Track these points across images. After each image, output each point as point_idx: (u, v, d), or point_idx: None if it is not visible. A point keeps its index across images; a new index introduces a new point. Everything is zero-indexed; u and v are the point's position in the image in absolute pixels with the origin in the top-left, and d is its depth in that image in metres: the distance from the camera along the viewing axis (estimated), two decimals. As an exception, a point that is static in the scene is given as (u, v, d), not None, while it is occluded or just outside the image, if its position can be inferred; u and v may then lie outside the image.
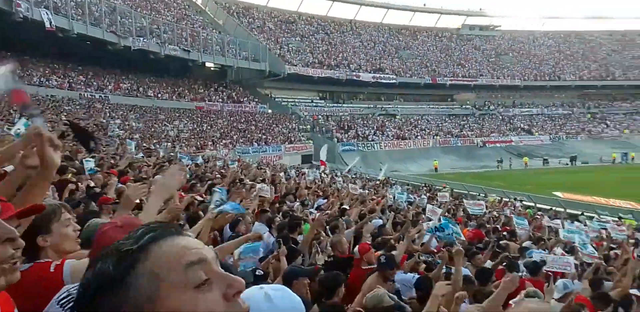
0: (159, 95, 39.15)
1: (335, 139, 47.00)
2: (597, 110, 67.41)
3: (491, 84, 66.33)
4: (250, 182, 9.75)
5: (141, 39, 36.08)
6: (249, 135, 39.32)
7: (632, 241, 11.08)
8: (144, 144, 19.90)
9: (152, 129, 30.21)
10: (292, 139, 42.94)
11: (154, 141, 23.97)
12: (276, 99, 52.12)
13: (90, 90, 33.78)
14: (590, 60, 75.31)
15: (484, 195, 22.20)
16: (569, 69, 72.50)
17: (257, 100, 48.79)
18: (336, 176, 22.56)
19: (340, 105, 56.82)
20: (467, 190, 25.31)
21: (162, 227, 0.80)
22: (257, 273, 3.58)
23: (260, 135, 40.30)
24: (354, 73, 57.82)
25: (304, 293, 3.21)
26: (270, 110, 47.85)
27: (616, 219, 15.58)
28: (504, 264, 6.23)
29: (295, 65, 52.98)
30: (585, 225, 13.20)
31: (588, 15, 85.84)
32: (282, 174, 16.01)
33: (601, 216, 16.11)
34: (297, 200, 9.60)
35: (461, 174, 38.78)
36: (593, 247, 7.33)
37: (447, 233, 7.41)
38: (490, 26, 79.19)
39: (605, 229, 11.86)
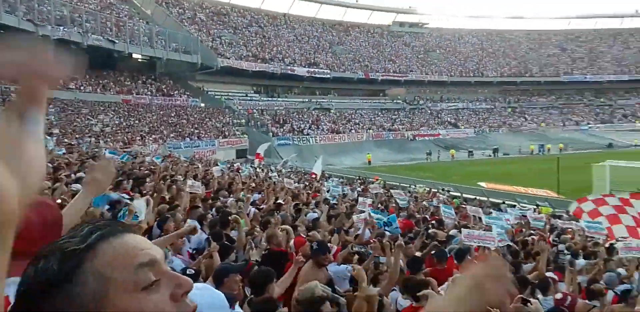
0: (82, 87, 36.92)
1: (271, 134, 46.75)
2: (516, 104, 71.91)
3: (420, 80, 68.76)
4: (181, 179, 9.46)
5: (61, 28, 33.78)
6: (180, 130, 38.11)
7: (548, 227, 11.97)
8: (65, 140, 18.71)
9: (74, 124, 28.46)
10: (227, 133, 42.16)
11: (76, 136, 22.60)
12: (209, 93, 50.88)
13: (4, 83, 31.18)
14: (510, 58, 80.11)
15: (414, 186, 23.05)
16: (491, 65, 76.71)
17: (188, 93, 47.33)
18: (271, 171, 22.45)
19: (275, 99, 56.51)
20: (399, 182, 26.14)
21: (110, 225, 0.77)
22: (187, 272, 3.47)
23: (192, 129, 39.20)
24: (289, 67, 57.69)
25: (236, 290, 3.16)
26: (202, 104, 46.62)
27: (534, 206, 16.77)
28: (433, 252, 6.50)
29: (229, 58, 51.95)
30: (506, 212, 14.08)
31: (508, 15, 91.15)
32: (215, 168, 15.67)
33: (521, 204, 17.28)
34: (232, 195, 9.44)
35: (393, 167, 39.98)
36: (506, 235, 7.82)
37: (394, 227, 7.67)
38: (419, 23, 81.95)
39: (525, 216, 12.71)
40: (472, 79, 72.39)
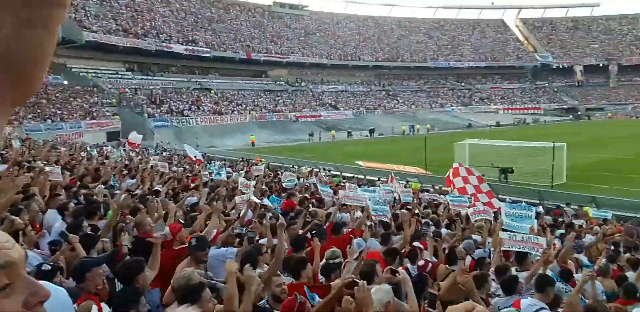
0: None
1: (146, 115, 44.03)
2: (390, 88, 76.38)
3: (302, 62, 69.54)
4: (40, 165, 8.49)
5: None
6: (39, 111, 34.19)
7: (416, 201, 13.01)
8: None
9: None
10: (95, 114, 38.77)
11: None
12: (73, 70, 46.10)
13: None
14: (384, 44, 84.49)
15: (297, 167, 23.47)
16: (367, 50, 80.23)
17: (49, 70, 42.35)
18: (148, 154, 21.21)
19: (150, 77, 53.03)
20: (282, 163, 26.42)
21: None
22: (43, 268, 3.13)
23: (54, 110, 35.38)
24: (165, 44, 54.44)
25: (100, 284, 2.93)
26: (66, 82, 42.18)
27: (404, 182, 18.08)
28: (314, 231, 6.68)
29: (96, 32, 47.45)
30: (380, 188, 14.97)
31: (382, 2, 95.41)
32: (82, 154, 14.36)
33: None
34: (100, 182, 8.72)
35: (277, 148, 40.25)
36: (385, 207, 8.33)
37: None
38: (299, 6, 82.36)
39: (396, 192, 13.66)
40: (350, 63, 75.09)
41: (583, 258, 7.29)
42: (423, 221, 8.78)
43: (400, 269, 4.96)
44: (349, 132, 51.51)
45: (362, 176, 21.20)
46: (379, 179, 19.25)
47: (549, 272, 4.93)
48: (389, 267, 4.86)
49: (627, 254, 7.51)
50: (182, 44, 56.35)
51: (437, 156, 27.40)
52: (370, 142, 46.09)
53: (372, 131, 52.16)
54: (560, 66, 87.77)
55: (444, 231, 8.51)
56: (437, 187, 18.05)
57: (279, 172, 19.21)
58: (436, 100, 76.52)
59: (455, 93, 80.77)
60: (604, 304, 4.63)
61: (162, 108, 47.15)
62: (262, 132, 48.30)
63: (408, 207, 11.39)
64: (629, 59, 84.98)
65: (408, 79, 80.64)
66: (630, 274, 6.05)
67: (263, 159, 26.32)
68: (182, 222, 6.36)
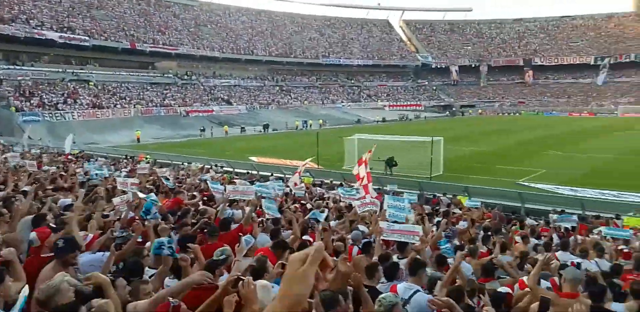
0: None
1: (14, 108, 39.44)
2: (283, 83, 76.81)
3: (192, 54, 67.06)
4: None
5: None
6: None
7: (308, 195, 13.29)
8: None
9: None
10: (-52, 107, 33.86)
11: None
12: None
13: None
14: (277, 39, 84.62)
15: (187, 163, 22.64)
16: (260, 45, 79.74)
17: None
18: (14, 151, 19.02)
19: (19, 67, 47.44)
20: (171, 159, 25.30)
21: None
22: None
23: None
24: (36, 30, 49.11)
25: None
26: None
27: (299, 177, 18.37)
28: (204, 229, 6.49)
29: (-53, 13, 41.30)
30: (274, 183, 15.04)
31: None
32: None
33: (287, 176, 18.71)
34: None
35: (165, 144, 38.47)
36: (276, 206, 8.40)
37: (153, 213, 7.27)
38: (188, -5, 79.20)
39: (289, 186, 13.84)
40: (243, 57, 74.07)
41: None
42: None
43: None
44: (242, 128, 50.90)
45: (255, 172, 21.08)
46: (271, 175, 19.31)
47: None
48: (279, 262, 4.90)
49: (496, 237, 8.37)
50: (56, 31, 51.26)
51: (328, 151, 28.24)
52: (264, 137, 46.01)
53: (266, 126, 52.09)
54: (439, 66, 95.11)
55: (334, 222, 8.80)
56: (328, 181, 18.57)
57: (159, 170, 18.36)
58: (328, 97, 78.55)
59: (346, 90, 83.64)
60: (473, 280, 5.12)
61: (32, 101, 42.56)
62: (149, 127, 45.82)
63: (302, 201, 11.60)
64: (497, 61, 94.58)
65: (301, 75, 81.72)
66: (505, 257, 6.75)
67: (148, 156, 25.00)
68: (53, 226, 5.79)
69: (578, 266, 6.62)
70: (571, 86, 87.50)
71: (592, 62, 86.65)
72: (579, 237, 9.26)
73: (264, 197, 8.96)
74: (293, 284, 1.05)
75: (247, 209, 7.60)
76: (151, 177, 13.22)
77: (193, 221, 7.16)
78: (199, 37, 71.78)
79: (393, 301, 3.33)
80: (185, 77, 63.99)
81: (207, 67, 69.78)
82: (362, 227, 8.27)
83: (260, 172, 20.93)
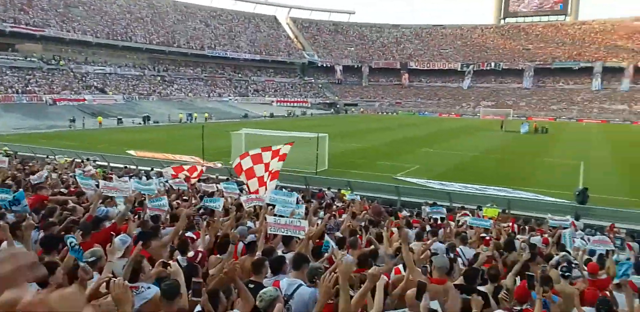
0: None
1: None
2: (165, 73, 73.12)
3: (60, 37, 60.84)
4: None
5: None
6: None
7: (190, 191, 12.80)
8: None
9: None
10: None
11: None
12: None
13: None
14: (159, 26, 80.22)
15: (53, 157, 20.50)
16: (140, 31, 74.95)
17: None
18: None
19: None
20: (35, 152, 22.73)
21: None
22: None
23: None
24: None
25: None
26: None
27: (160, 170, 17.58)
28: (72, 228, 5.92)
29: None
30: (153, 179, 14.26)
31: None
32: None
33: (164, 167, 17.82)
34: None
35: (28, 135, 34.45)
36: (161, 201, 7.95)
37: (23, 205, 6.51)
38: (56, -29, 71.43)
39: (168, 181, 13.21)
40: (120, 43, 69.00)
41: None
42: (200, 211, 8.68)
43: (171, 262, 4.79)
44: (119, 119, 47.44)
45: (134, 167, 19.79)
46: (152, 169, 18.29)
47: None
48: (160, 260, 4.64)
49: (376, 229, 8.82)
50: None
51: (214, 145, 27.53)
52: (144, 130, 43.41)
53: (146, 118, 49.18)
54: (324, 65, 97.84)
55: (222, 219, 8.57)
56: (214, 176, 18.10)
57: (31, 163, 16.48)
58: (214, 90, 76.54)
59: (233, 83, 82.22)
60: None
61: None
62: (8, 116, 40.70)
63: (184, 197, 11.13)
64: (377, 63, 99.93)
65: (185, 66, 78.48)
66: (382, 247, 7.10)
67: (6, 148, 22.22)
68: None
69: (447, 251, 7.25)
70: (441, 89, 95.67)
71: (459, 68, 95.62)
72: (451, 223, 10.17)
73: (144, 194, 8.44)
74: None
75: (122, 206, 7.09)
76: (10, 173, 11.72)
77: (59, 219, 6.50)
78: (68, 19, 65.28)
79: (273, 295, 3.36)
80: (53, 61, 57.84)
81: (78, 52, 63.86)
82: (250, 223, 8.19)
83: (140, 167, 19.71)
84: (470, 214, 12.43)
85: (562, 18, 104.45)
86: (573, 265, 6.74)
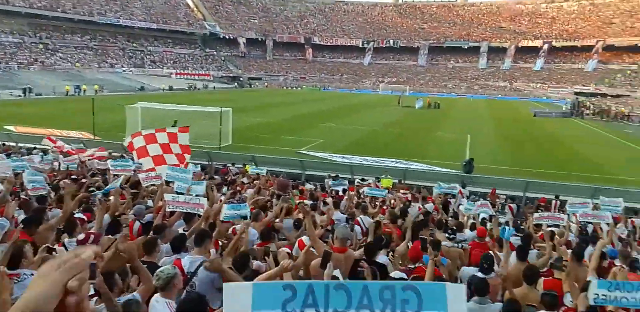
0: None
1: None
2: (49, 41, 66.10)
3: None
4: None
5: None
6: None
7: (80, 169, 11.91)
8: None
9: None
10: None
11: None
12: None
13: None
14: (39, -13, 71.70)
15: None
16: (16, -8, 66.54)
17: None
18: None
19: None
20: None
21: None
22: None
23: None
24: None
25: None
26: None
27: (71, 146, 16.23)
28: None
29: None
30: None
31: None
32: None
33: (53, 148, 16.34)
34: None
35: None
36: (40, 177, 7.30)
37: None
38: None
39: (57, 159, 12.16)
40: (-7, 5, 60.84)
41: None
42: (91, 189, 8.13)
43: (56, 246, 4.47)
44: (-7, 91, 42.30)
45: (13, 144, 17.87)
46: (35, 148, 16.66)
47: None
48: (45, 245, 4.30)
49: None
50: None
51: (106, 119, 25.70)
52: (25, 103, 39.21)
53: (27, 90, 44.34)
54: (227, 37, 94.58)
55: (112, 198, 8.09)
56: (107, 152, 16.94)
57: None
58: (105, 60, 70.85)
59: (127, 54, 76.66)
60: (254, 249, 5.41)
61: None
62: None
63: (73, 176, 10.33)
64: (281, 37, 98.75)
65: (71, 33, 71.43)
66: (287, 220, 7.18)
67: None
68: None
69: (347, 221, 7.56)
70: (343, 65, 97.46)
71: (360, 45, 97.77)
72: (352, 193, 10.58)
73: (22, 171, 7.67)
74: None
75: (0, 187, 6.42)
76: None
77: None
78: None
79: (171, 273, 3.29)
80: None
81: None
82: (150, 202, 7.85)
83: (21, 144, 17.86)
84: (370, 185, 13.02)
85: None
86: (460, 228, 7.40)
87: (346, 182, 12.41)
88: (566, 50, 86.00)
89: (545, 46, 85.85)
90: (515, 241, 6.68)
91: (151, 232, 5.07)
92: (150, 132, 11.41)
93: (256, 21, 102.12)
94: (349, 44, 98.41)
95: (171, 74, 75.18)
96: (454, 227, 7.25)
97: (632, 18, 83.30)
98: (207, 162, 16.58)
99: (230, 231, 6.10)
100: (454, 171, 18.29)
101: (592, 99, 60.86)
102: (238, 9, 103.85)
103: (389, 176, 14.87)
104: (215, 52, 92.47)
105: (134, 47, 79.39)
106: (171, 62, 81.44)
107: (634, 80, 70.49)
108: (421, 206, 10.21)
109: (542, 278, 4.87)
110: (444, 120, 38.95)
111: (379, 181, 14.52)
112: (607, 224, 7.86)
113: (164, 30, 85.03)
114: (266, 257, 4.85)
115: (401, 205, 9.24)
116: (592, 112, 48.89)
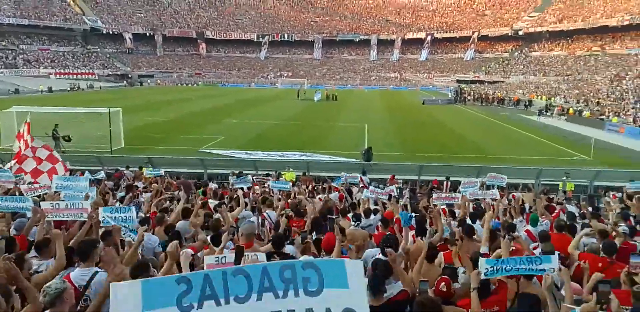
0: None
1: None
2: None
3: None
4: None
5: None
6: None
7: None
8: None
9: None
10: None
11: None
12: None
13: None
14: None
15: None
16: None
17: None
18: None
19: None
20: None
21: None
22: None
23: None
24: None
25: None
26: None
27: None
28: None
29: None
30: None
31: None
32: None
33: None
34: None
35: None
36: None
37: None
38: None
39: None
40: None
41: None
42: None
43: None
44: None
45: None
46: None
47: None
48: None
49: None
50: None
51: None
52: None
53: None
54: (110, 32, 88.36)
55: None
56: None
57: None
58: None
59: (-6, 53, 68.68)
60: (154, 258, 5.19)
61: None
62: None
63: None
64: (171, 31, 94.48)
65: None
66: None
67: None
68: None
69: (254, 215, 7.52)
70: (240, 60, 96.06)
71: (255, 39, 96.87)
72: (256, 190, 10.50)
73: None
74: None
75: None
76: None
77: None
78: None
79: (60, 288, 3.03)
80: None
81: None
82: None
83: None
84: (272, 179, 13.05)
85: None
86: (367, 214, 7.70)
87: (249, 178, 12.29)
88: (447, 41, 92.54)
89: (429, 38, 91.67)
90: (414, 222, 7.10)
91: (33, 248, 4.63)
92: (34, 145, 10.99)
93: (142, 15, 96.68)
94: (243, 38, 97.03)
95: (50, 74, 68.77)
96: (360, 214, 7.52)
97: (502, 10, 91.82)
98: (99, 168, 15.47)
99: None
100: (354, 160, 18.96)
101: (472, 86, 66.32)
102: (121, 2, 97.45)
103: (291, 169, 15.03)
104: (99, 49, 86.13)
105: (4, 45, 71.36)
106: (48, 61, 74.41)
107: (506, 67, 77.95)
108: (327, 196, 10.46)
109: (441, 252, 5.25)
110: (342, 112, 40.12)
111: (281, 176, 14.60)
112: (493, 199, 8.68)
113: (37, 27, 77.28)
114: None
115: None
116: (472, 97, 53.28)
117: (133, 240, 4.85)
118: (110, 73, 79.72)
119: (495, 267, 3.72)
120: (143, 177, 12.69)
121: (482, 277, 3.73)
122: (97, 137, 20.87)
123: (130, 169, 15.06)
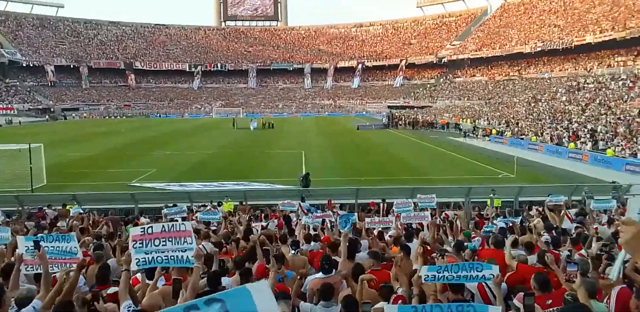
0: None
1: None
2: None
3: None
4: None
5: None
6: None
7: None
8: None
9: None
10: None
11: None
12: None
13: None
14: None
15: None
16: None
17: None
18: None
19: None
20: None
21: None
22: None
23: None
24: None
25: None
26: None
27: None
28: None
29: None
30: None
31: None
32: None
33: None
34: None
35: None
36: None
37: None
38: None
39: None
40: None
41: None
42: None
43: None
44: None
45: None
46: None
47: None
48: None
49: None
50: None
51: None
52: None
53: None
54: (31, 64, 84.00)
55: None
56: None
57: None
58: None
59: None
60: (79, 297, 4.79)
61: None
62: None
63: None
64: (97, 63, 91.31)
65: None
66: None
67: None
68: None
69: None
70: (172, 90, 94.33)
71: (187, 69, 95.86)
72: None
73: None
74: None
75: None
76: None
77: None
78: None
79: None
80: None
81: None
82: None
83: None
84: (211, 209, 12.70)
85: (275, 23, 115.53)
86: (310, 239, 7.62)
87: (184, 208, 11.86)
88: (377, 69, 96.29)
89: (360, 66, 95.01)
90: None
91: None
92: None
93: (66, 47, 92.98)
94: (175, 68, 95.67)
95: (-38, 109, 63.96)
96: (299, 240, 7.46)
97: (427, 39, 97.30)
98: (17, 208, 14.34)
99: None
100: (293, 186, 18.90)
101: (402, 111, 69.01)
102: (42, 34, 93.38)
103: (229, 200, 14.72)
104: (18, 83, 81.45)
105: None
106: (-40, 95, 69.31)
107: (433, 92, 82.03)
108: (266, 225, 10.30)
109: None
110: (279, 139, 40.19)
111: (220, 205, 14.25)
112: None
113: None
114: (96, 303, 4.33)
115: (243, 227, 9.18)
116: (404, 122, 55.35)
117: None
118: (30, 107, 75.34)
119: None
120: (67, 216, 11.90)
121: (423, 281, 3.87)
122: (15, 176, 19.45)
123: (53, 207, 14.08)
